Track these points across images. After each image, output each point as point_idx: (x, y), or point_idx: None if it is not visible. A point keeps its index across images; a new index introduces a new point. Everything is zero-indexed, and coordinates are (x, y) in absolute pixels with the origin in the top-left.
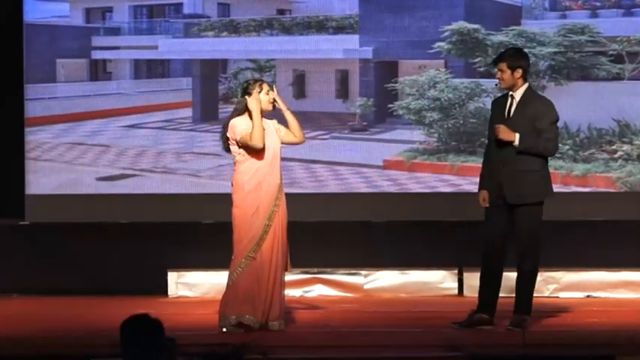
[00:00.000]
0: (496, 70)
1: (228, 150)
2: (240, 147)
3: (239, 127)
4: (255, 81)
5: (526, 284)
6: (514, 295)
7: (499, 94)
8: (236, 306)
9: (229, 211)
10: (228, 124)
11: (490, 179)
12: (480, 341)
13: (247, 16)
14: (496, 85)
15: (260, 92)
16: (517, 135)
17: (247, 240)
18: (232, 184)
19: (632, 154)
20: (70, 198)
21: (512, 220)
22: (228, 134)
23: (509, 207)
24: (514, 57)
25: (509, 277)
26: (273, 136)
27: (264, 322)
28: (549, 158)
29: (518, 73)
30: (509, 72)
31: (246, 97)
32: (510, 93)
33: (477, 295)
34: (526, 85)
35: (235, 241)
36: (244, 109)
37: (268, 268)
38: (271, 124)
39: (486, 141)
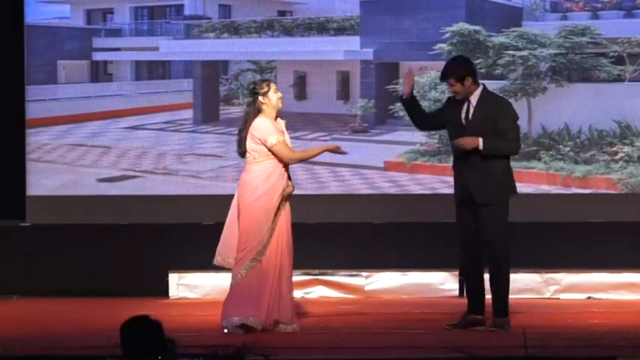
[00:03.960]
0: (448, 85)
1: (243, 154)
2: (261, 146)
3: (267, 127)
4: (262, 80)
5: (498, 285)
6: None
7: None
8: (240, 307)
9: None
10: (247, 126)
11: (457, 181)
12: (481, 342)
13: (248, 17)
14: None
15: (269, 91)
16: (480, 140)
17: (256, 242)
18: (242, 184)
19: (633, 156)
20: (71, 199)
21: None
22: (253, 133)
23: (475, 207)
24: (458, 69)
25: (513, 278)
26: (286, 136)
27: (270, 325)
28: (550, 159)
29: (469, 81)
30: (459, 84)
31: (259, 97)
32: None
33: None
34: (480, 88)
35: (241, 242)
36: (259, 111)
37: (273, 270)
38: (282, 124)
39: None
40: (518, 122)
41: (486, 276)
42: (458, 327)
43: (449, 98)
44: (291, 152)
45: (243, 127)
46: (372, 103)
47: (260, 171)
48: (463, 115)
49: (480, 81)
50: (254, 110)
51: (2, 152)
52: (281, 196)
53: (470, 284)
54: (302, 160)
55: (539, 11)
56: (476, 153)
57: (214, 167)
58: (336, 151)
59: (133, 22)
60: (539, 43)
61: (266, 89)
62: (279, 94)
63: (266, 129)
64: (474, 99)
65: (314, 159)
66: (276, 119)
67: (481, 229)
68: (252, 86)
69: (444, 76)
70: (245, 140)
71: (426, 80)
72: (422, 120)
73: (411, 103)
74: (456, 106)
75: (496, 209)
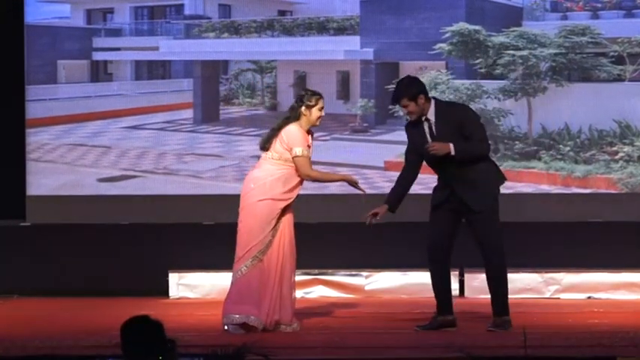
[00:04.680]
0: (402, 107)
1: (265, 149)
2: (285, 151)
3: (299, 136)
4: (313, 94)
5: (497, 285)
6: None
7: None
8: (240, 305)
9: (230, 212)
10: (281, 128)
11: (440, 189)
12: (481, 342)
13: (248, 17)
14: (406, 119)
15: (314, 106)
16: (451, 145)
17: (257, 242)
18: (250, 180)
19: (633, 156)
20: (71, 199)
21: (459, 222)
22: (283, 136)
23: (462, 213)
24: (409, 88)
25: (513, 278)
26: (311, 149)
27: (271, 325)
28: (550, 159)
29: (421, 99)
30: (412, 104)
31: (302, 107)
32: (424, 117)
33: (478, 296)
34: (433, 103)
35: (242, 240)
36: (298, 117)
37: (275, 270)
38: (310, 139)
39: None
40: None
41: (483, 276)
42: (428, 328)
43: (406, 126)
44: (309, 169)
45: (278, 126)
46: (372, 103)
47: (272, 171)
48: (428, 135)
49: (481, 81)
50: (293, 116)
51: (2, 152)
52: (288, 203)
53: (439, 285)
54: (316, 181)
55: (539, 11)
56: (454, 167)
57: (214, 167)
58: (354, 184)
59: (133, 22)
60: (539, 42)
61: (312, 104)
62: (321, 114)
63: (297, 137)
64: (431, 115)
65: (314, 159)
66: (307, 133)
67: (475, 231)
68: (302, 93)
69: (396, 99)
70: (274, 138)
71: (425, 80)
72: (411, 177)
73: (399, 200)
74: (416, 129)
75: (489, 212)
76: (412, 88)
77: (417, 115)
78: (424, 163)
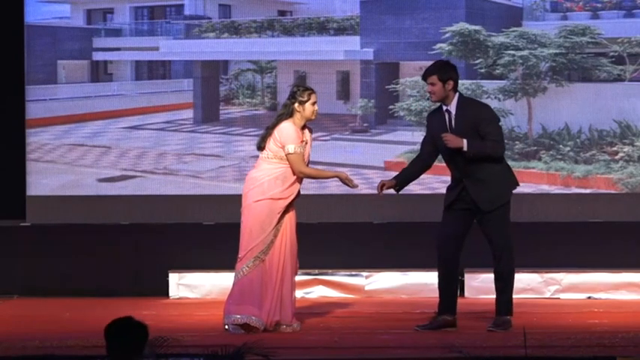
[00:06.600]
0: (427, 84)
1: (260, 148)
2: (279, 149)
3: (291, 134)
4: (305, 89)
5: (504, 285)
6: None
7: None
8: (242, 305)
9: (230, 211)
10: (275, 126)
11: (453, 188)
12: (481, 342)
13: (248, 17)
14: (428, 99)
15: (307, 102)
16: (465, 141)
17: (259, 242)
18: (249, 180)
19: (633, 156)
20: (71, 199)
21: (471, 222)
22: (276, 134)
23: (473, 212)
24: (444, 69)
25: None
26: (309, 146)
27: (272, 325)
28: (550, 159)
29: (450, 85)
30: (440, 84)
31: (295, 103)
32: (445, 108)
33: (478, 296)
34: (457, 96)
35: (244, 240)
36: (291, 113)
37: (276, 270)
38: (308, 135)
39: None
40: (501, 123)
41: (483, 276)
42: (428, 328)
43: (428, 116)
44: (303, 166)
45: (272, 124)
46: (372, 103)
47: (270, 171)
48: (447, 126)
49: (481, 81)
50: (286, 113)
51: (2, 152)
52: (288, 202)
53: (445, 285)
54: (310, 177)
55: (540, 11)
56: (467, 163)
57: (214, 167)
58: (347, 181)
59: (133, 22)
60: (540, 42)
61: (305, 99)
62: (315, 108)
63: (289, 135)
64: (452, 108)
65: (313, 158)
66: (303, 129)
67: (485, 230)
68: (294, 89)
69: (429, 73)
70: (269, 137)
71: None
72: (423, 166)
73: (407, 181)
74: (437, 118)
75: (500, 212)
76: (447, 70)
77: (438, 97)
78: (432, 164)
